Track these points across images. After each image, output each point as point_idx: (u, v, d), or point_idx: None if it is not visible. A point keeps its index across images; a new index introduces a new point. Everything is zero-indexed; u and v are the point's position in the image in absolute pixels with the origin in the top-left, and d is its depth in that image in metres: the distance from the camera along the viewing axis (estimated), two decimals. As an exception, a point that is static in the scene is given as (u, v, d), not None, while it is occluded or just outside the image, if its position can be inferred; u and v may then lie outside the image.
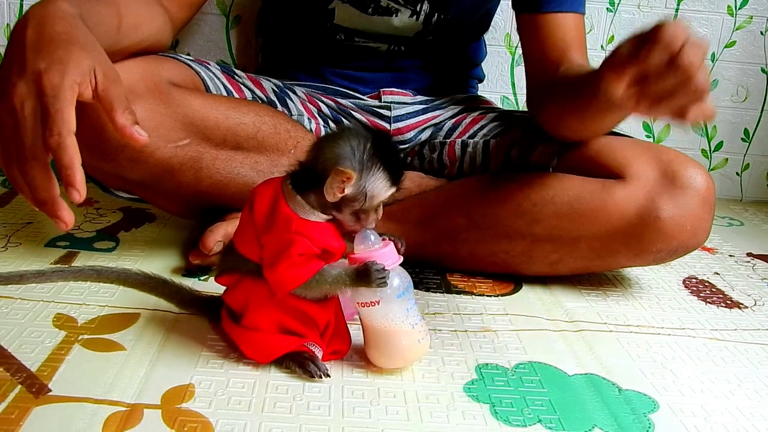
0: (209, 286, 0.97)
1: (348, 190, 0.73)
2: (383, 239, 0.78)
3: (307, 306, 0.77)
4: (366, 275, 0.74)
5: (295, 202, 0.75)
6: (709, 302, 1.07)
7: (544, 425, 0.74)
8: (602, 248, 1.01)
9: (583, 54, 1.10)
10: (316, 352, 0.80)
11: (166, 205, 1.07)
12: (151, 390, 0.74)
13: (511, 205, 1.02)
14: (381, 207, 0.77)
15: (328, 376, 0.79)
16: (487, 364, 0.85)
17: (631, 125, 1.58)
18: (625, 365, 0.87)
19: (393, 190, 0.76)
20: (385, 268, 0.75)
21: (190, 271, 1.02)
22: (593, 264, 1.04)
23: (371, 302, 0.77)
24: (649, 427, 0.75)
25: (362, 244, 0.77)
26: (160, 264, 1.04)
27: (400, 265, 0.78)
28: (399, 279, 0.78)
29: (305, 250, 0.74)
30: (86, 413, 0.69)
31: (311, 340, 0.80)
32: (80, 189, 0.68)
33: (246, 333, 0.80)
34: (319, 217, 0.75)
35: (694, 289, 1.12)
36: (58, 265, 1.01)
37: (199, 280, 1.01)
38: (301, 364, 0.79)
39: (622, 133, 1.11)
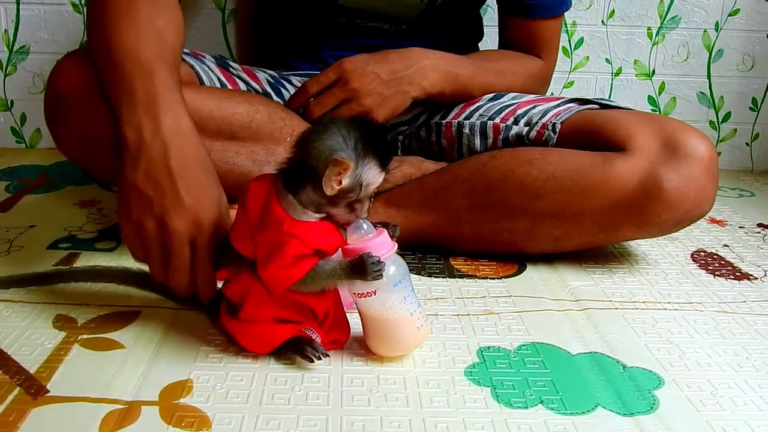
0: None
1: (345, 182, 0.72)
2: (377, 228, 0.77)
3: (305, 297, 0.77)
4: (361, 268, 0.73)
5: (287, 202, 0.74)
6: (718, 275, 1.05)
7: (546, 406, 0.73)
8: (606, 222, 1.00)
9: (552, 52, 1.25)
10: (313, 337, 0.79)
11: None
12: (149, 386, 0.74)
13: (512, 182, 1.01)
14: (373, 195, 0.76)
15: (327, 355, 0.78)
16: (489, 347, 0.84)
17: (636, 101, 1.56)
18: (630, 342, 0.86)
19: (383, 175, 0.75)
20: (381, 258, 0.74)
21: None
22: (598, 238, 1.03)
23: (368, 293, 0.76)
24: (654, 404, 0.74)
25: (355, 233, 0.76)
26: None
27: (397, 253, 0.77)
28: (395, 267, 0.76)
29: (297, 252, 0.73)
30: (84, 412, 0.69)
31: (308, 326, 0.79)
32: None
33: (244, 326, 0.79)
34: (311, 216, 0.74)
35: (702, 262, 1.10)
36: (59, 267, 1.01)
37: (200, 275, 1.00)
38: (299, 350, 0.78)
39: (624, 106, 1.10)
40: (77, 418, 0.69)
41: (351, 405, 0.72)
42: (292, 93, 1.13)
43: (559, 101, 1.11)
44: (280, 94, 1.14)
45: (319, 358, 0.78)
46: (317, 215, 0.74)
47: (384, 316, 0.77)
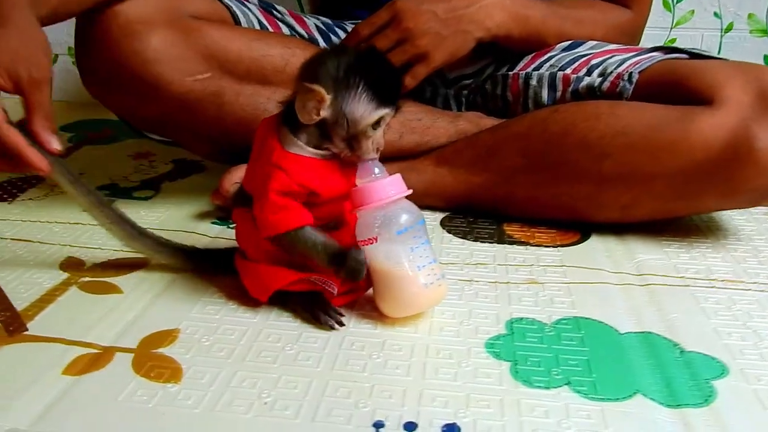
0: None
1: (324, 113, 0.64)
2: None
3: None
4: (341, 259, 0.66)
5: (282, 134, 0.67)
6: (824, 257, 0.88)
7: (573, 388, 0.61)
8: (684, 187, 0.85)
9: (643, 2, 1.09)
10: (331, 291, 0.70)
11: (196, 146, 1.01)
12: (132, 334, 0.68)
13: (574, 138, 0.88)
14: (380, 134, 0.67)
15: (342, 324, 0.70)
16: (521, 319, 0.72)
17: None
18: (695, 324, 0.72)
19: (384, 111, 0.65)
20: (387, 201, 0.66)
21: (221, 218, 0.96)
22: (674, 206, 0.88)
23: (369, 239, 0.67)
24: (710, 396, 0.60)
25: (364, 176, 0.67)
26: (191, 210, 0.99)
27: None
28: (407, 215, 0.67)
29: (282, 186, 0.65)
30: (53, 354, 0.64)
31: (322, 277, 0.70)
32: (43, 166, 0.69)
33: (249, 265, 0.72)
34: (304, 149, 0.66)
35: (808, 242, 0.93)
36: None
37: (228, 227, 0.94)
38: (310, 310, 0.70)
39: (722, 58, 0.94)
40: (43, 359, 0.63)
41: (343, 369, 0.63)
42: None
43: (641, 50, 0.97)
44: (329, 41, 1.05)
45: (332, 328, 0.69)
46: (314, 150, 0.66)
47: (387, 269, 0.67)
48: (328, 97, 0.64)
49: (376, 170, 0.67)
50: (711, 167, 0.82)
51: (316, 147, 0.66)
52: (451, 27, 0.95)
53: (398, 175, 0.68)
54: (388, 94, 0.65)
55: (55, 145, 0.71)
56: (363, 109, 0.64)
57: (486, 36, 0.98)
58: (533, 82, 1.00)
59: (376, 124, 0.65)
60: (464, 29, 0.96)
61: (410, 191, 0.68)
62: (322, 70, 0.64)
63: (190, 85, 0.87)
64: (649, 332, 0.70)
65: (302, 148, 0.66)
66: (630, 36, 1.10)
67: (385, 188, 0.66)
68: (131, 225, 0.78)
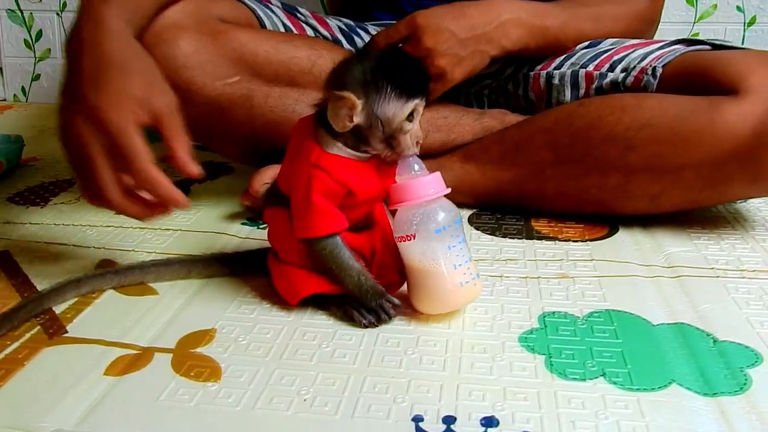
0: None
1: (357, 118, 0.65)
2: None
3: (344, 235, 0.69)
4: (368, 293, 0.69)
5: (319, 135, 0.68)
6: None
7: (608, 379, 0.61)
8: (712, 175, 0.85)
9: None
10: None
11: (226, 149, 1.02)
12: (170, 334, 0.69)
13: (601, 132, 0.88)
14: (416, 126, 0.67)
15: (375, 325, 0.70)
16: (553, 313, 0.73)
17: None
18: (727, 314, 0.72)
19: (413, 103, 0.65)
20: (427, 199, 0.67)
21: (251, 219, 0.97)
22: (703, 195, 0.88)
23: (407, 236, 0.67)
24: (745, 383, 0.60)
25: (404, 172, 0.68)
26: (221, 211, 1.00)
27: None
28: (444, 213, 0.68)
29: (323, 186, 0.66)
30: (94, 355, 0.65)
31: None
32: (185, 203, 0.73)
33: (281, 267, 0.73)
34: (342, 150, 0.67)
35: (838, 231, 0.92)
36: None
37: (258, 227, 0.95)
38: (345, 311, 0.71)
39: (744, 47, 0.94)
40: (85, 360, 0.65)
41: (379, 366, 0.64)
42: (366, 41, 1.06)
43: (663, 43, 0.97)
44: (352, 42, 1.06)
45: (366, 326, 0.70)
46: (353, 151, 0.67)
47: (424, 267, 0.68)
48: (359, 103, 0.64)
49: (416, 167, 0.68)
50: (738, 156, 0.83)
51: (353, 149, 0.67)
52: (469, 47, 0.95)
53: (438, 174, 0.68)
54: (415, 84, 0.66)
55: (196, 169, 0.73)
56: (394, 106, 0.65)
57: (501, 53, 0.98)
58: (555, 81, 1.01)
59: (410, 117, 0.66)
60: (481, 49, 0.96)
61: (449, 190, 0.68)
62: (349, 77, 0.65)
63: (221, 89, 0.89)
64: (682, 323, 0.70)
65: (341, 149, 0.67)
66: (649, 22, 1.09)
67: (424, 186, 0.66)
68: (152, 267, 0.80)
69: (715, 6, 1.36)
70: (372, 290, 0.69)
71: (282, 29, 0.99)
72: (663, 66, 0.92)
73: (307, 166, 0.67)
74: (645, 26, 1.07)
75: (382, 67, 0.65)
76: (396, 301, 0.70)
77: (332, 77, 0.67)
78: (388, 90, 0.64)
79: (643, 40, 1.01)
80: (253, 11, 0.98)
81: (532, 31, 0.99)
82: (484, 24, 0.95)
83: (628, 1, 1.05)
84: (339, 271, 0.68)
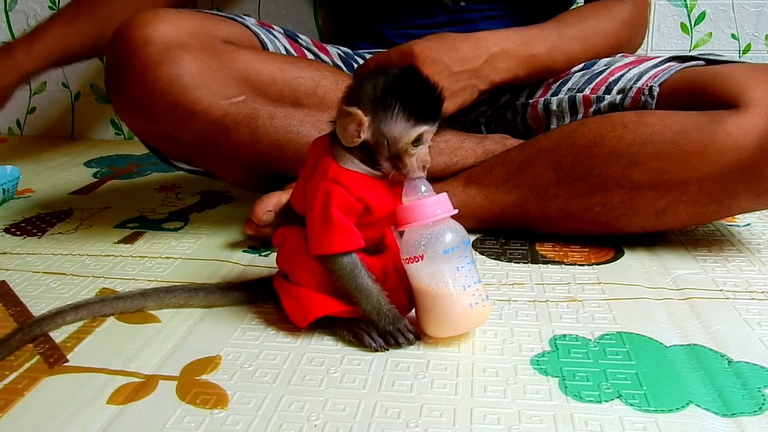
0: (271, 261, 0.90)
1: (364, 135, 0.65)
2: None
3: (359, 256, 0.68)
4: (386, 317, 0.68)
5: (335, 151, 0.68)
6: None
7: (624, 401, 0.60)
8: (717, 190, 0.85)
9: None
10: None
11: (227, 173, 1.01)
12: (173, 362, 0.67)
13: (603, 149, 0.88)
14: (425, 151, 0.67)
15: (386, 349, 0.69)
16: (564, 336, 0.71)
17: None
18: (740, 335, 0.71)
19: (421, 129, 0.65)
20: (434, 219, 0.66)
21: (252, 247, 0.96)
22: (709, 209, 0.87)
23: (414, 257, 0.66)
24: (764, 403, 0.59)
25: (411, 194, 0.67)
26: (222, 240, 0.99)
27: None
28: (452, 234, 0.67)
29: (342, 201, 0.66)
30: (97, 384, 0.64)
31: None
32: None
33: (291, 288, 0.72)
34: (359, 166, 0.67)
35: None
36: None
37: (260, 255, 0.94)
38: (355, 335, 0.70)
39: (739, 61, 0.95)
40: (87, 389, 0.63)
41: (390, 390, 0.62)
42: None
43: (657, 60, 0.97)
44: (351, 69, 1.06)
45: (377, 350, 0.69)
46: (367, 168, 0.67)
47: (432, 288, 0.66)
48: (366, 119, 0.64)
49: (423, 188, 0.67)
50: (742, 169, 0.82)
51: (369, 165, 0.67)
52: (461, 82, 0.94)
53: (445, 194, 0.68)
54: (426, 111, 0.65)
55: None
56: (401, 127, 0.64)
57: (490, 87, 0.98)
58: (553, 107, 1.01)
59: (417, 142, 0.65)
60: (472, 84, 0.96)
61: (456, 210, 0.68)
62: (361, 93, 0.65)
63: (226, 108, 0.88)
64: (695, 344, 0.69)
65: (357, 165, 0.67)
66: (636, 26, 1.09)
67: (432, 206, 0.66)
68: (153, 293, 0.78)
69: (710, 34, 1.37)
70: (390, 313, 0.68)
71: (283, 52, 0.99)
72: (659, 85, 0.92)
73: (324, 182, 0.66)
74: (634, 30, 1.07)
75: (395, 86, 0.65)
76: (411, 326, 0.69)
77: (346, 93, 0.67)
78: (397, 110, 0.64)
79: (636, 57, 1.02)
80: (257, 35, 0.98)
81: (519, 61, 0.98)
82: (474, 58, 0.95)
83: (610, 14, 1.05)
84: (356, 291, 0.67)
